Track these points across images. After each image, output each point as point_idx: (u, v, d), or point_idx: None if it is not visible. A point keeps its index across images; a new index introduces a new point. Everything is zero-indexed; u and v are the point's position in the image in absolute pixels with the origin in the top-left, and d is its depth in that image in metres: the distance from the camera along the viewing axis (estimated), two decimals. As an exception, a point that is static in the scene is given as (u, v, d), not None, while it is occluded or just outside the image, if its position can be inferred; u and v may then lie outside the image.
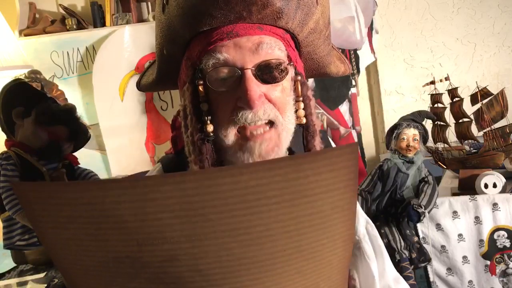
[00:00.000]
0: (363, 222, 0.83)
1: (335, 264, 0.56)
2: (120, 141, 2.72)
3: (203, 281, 0.50)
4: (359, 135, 3.68)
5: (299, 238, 0.50)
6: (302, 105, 0.73)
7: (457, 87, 2.63)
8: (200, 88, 0.68)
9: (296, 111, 0.73)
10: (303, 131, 0.74)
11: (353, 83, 3.54)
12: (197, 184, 0.45)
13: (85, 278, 0.53)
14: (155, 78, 0.82)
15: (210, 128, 0.68)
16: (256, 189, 0.45)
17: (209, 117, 0.69)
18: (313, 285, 0.56)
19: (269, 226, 0.48)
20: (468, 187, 2.42)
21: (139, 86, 0.90)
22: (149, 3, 2.94)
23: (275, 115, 0.69)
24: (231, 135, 0.68)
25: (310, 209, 0.48)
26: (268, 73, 0.68)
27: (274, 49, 0.68)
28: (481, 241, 2.37)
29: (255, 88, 0.66)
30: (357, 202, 0.91)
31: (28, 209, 0.49)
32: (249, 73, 0.66)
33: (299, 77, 0.73)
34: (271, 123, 0.69)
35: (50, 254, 0.53)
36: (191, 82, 0.70)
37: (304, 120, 0.74)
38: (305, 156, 0.49)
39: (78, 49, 2.70)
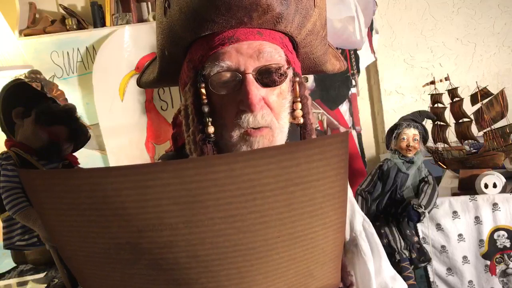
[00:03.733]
0: (360, 219, 0.84)
1: (328, 251, 0.58)
2: (120, 141, 2.72)
3: (200, 267, 0.51)
4: (359, 135, 3.68)
5: (292, 225, 0.52)
6: (299, 105, 0.75)
7: (457, 87, 2.63)
8: (202, 90, 0.70)
9: (294, 111, 0.75)
10: (301, 130, 0.76)
11: (353, 83, 3.54)
12: (195, 172, 0.46)
13: (87, 265, 0.54)
14: (156, 76, 0.84)
15: (211, 129, 0.70)
16: (251, 177, 0.47)
17: (210, 119, 0.71)
18: (307, 272, 0.58)
19: (263, 213, 0.49)
20: (468, 187, 2.42)
21: (139, 83, 0.92)
22: (149, 3, 2.94)
23: (271, 120, 0.71)
24: (236, 136, 0.70)
25: (303, 196, 0.50)
26: (268, 77, 0.70)
27: (274, 56, 0.70)
28: (481, 241, 2.38)
29: (255, 91, 0.68)
30: (357, 202, 0.91)
31: (33, 197, 0.50)
32: (250, 77, 0.68)
33: (297, 78, 0.75)
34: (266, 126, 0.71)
35: (55, 242, 0.54)
36: (193, 84, 0.71)
37: (301, 120, 0.75)
38: (297, 144, 0.51)
39: (78, 49, 2.69)
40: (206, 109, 0.70)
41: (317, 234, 0.54)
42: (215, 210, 0.48)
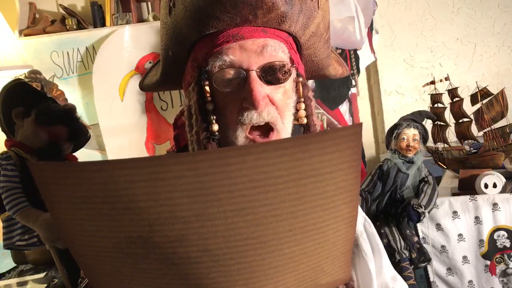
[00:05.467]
0: (361, 220, 0.84)
1: (339, 245, 0.57)
2: (120, 141, 2.72)
3: (211, 261, 0.51)
4: (359, 135, 3.68)
5: (304, 219, 0.51)
6: (303, 105, 0.75)
7: (457, 87, 2.64)
8: (207, 88, 0.70)
9: (297, 112, 0.75)
10: (304, 131, 0.76)
11: (353, 83, 3.54)
12: (208, 164, 0.45)
13: (98, 260, 0.54)
14: (159, 78, 0.83)
15: (215, 127, 0.70)
16: (264, 169, 0.46)
17: (215, 117, 0.70)
18: (318, 266, 0.57)
19: (276, 206, 0.49)
20: (468, 187, 2.42)
21: (142, 86, 0.92)
22: (149, 3, 2.94)
23: (277, 118, 0.71)
24: (241, 136, 0.70)
25: (315, 189, 0.49)
26: (272, 74, 0.70)
27: (278, 51, 0.70)
28: (481, 241, 2.38)
29: (259, 89, 0.68)
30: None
31: (44, 189, 0.49)
32: (253, 74, 0.68)
33: (300, 79, 0.75)
34: (271, 128, 0.71)
35: (64, 236, 0.53)
36: (197, 83, 0.71)
37: (305, 120, 0.75)
38: (310, 137, 0.50)
39: (78, 49, 2.69)
40: (210, 107, 0.70)
41: (328, 228, 0.53)
42: (228, 203, 0.47)
